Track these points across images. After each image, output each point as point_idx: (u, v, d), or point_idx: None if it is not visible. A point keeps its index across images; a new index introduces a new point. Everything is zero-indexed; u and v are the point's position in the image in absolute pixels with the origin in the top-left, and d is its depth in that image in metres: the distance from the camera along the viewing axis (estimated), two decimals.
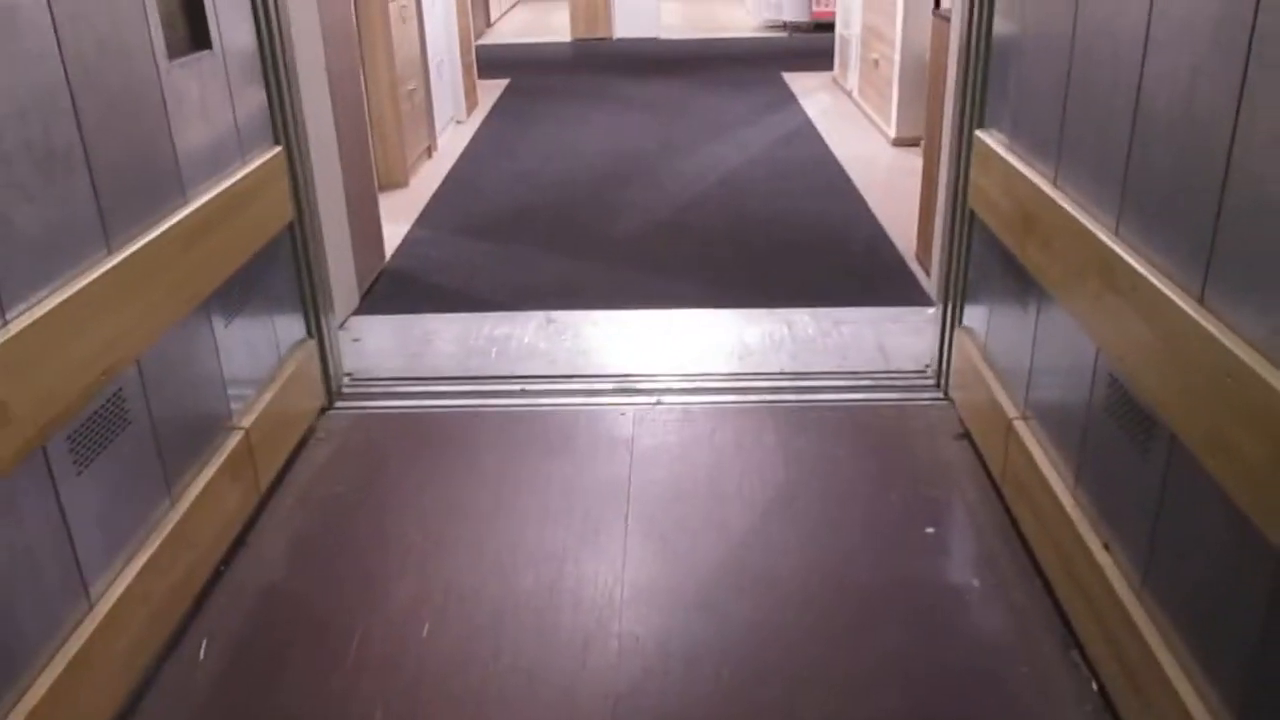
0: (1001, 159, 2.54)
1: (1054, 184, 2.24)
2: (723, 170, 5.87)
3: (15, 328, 1.66)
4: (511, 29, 12.94)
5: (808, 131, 6.77)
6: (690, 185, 5.59)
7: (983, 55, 2.76)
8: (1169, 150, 1.73)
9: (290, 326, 2.94)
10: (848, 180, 5.60)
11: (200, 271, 2.31)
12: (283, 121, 2.81)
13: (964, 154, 2.87)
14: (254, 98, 2.68)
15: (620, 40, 11.36)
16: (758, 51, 10.44)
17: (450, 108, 7.10)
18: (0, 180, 1.65)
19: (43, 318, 1.71)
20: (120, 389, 2.00)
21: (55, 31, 1.80)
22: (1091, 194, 2.05)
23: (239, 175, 2.52)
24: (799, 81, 8.48)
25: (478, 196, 5.52)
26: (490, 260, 4.51)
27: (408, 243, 4.74)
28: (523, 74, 9.25)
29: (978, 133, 2.77)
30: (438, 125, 6.53)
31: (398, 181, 5.58)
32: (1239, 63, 1.49)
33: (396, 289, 4.20)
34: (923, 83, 5.72)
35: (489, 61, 9.03)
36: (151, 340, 2.09)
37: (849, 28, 7.72)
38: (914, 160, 5.79)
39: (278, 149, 2.78)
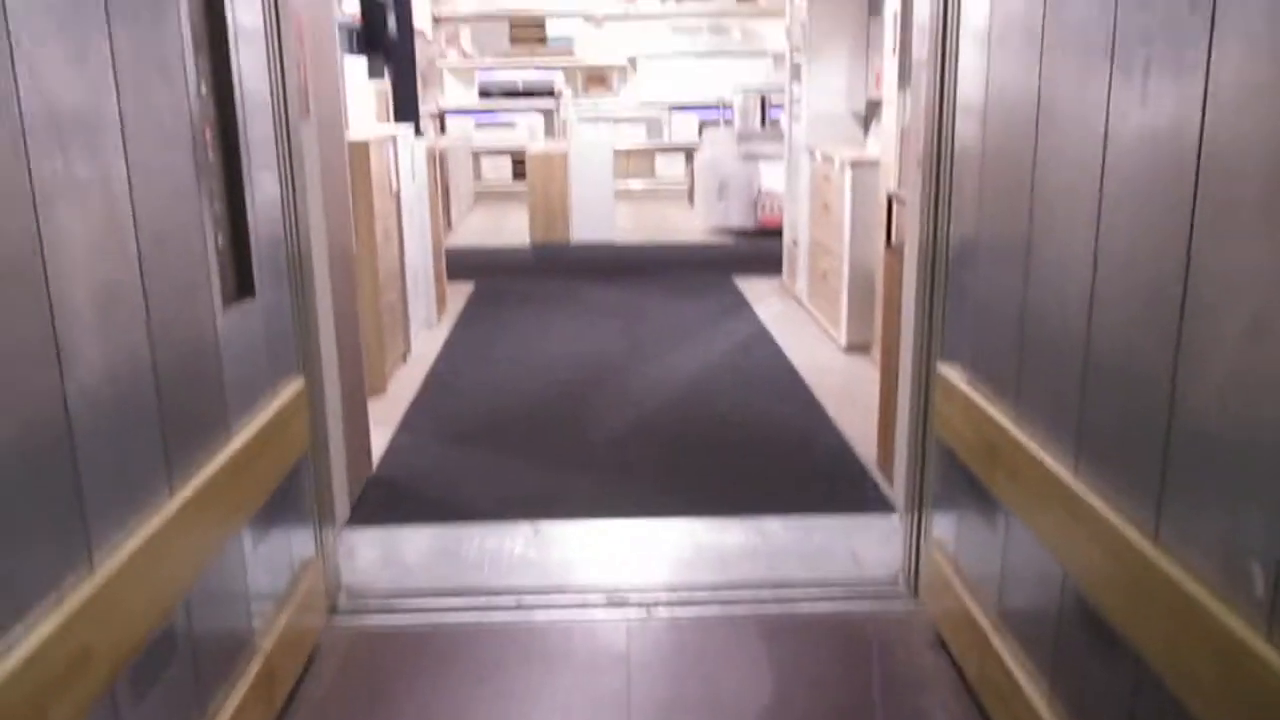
0: (964, 394, 2.85)
1: (1015, 423, 2.53)
2: (687, 377, 6.20)
3: (100, 577, 1.81)
4: (472, 231, 13.51)
5: (763, 338, 7.19)
6: (657, 391, 5.90)
7: (941, 295, 3.11)
8: (1117, 398, 2.02)
9: (302, 544, 3.08)
10: (805, 388, 5.95)
11: (241, 505, 2.48)
12: (305, 356, 3.05)
13: (926, 387, 3.18)
14: (283, 337, 2.92)
15: (578, 244, 11.93)
16: (709, 257, 11.04)
17: (423, 312, 7.42)
18: (97, 432, 1.84)
19: (122, 565, 1.87)
20: (173, 622, 2.13)
21: (145, 299, 2.03)
22: (1051, 434, 2.34)
23: (271, 409, 2.73)
24: (750, 287, 8.99)
25: (455, 404, 5.75)
26: (473, 468, 4.70)
27: (392, 451, 4.93)
28: (486, 278, 9.68)
29: (940, 366, 3.09)
30: (412, 330, 6.82)
31: (377, 389, 5.79)
32: (1174, 317, 1.77)
33: (385, 500, 4.36)
34: (870, 293, 6.18)
35: (453, 264, 9.43)
36: (200, 574, 2.24)
37: (796, 237, 8.29)
38: (866, 367, 6.19)
39: (300, 380, 3.00)
